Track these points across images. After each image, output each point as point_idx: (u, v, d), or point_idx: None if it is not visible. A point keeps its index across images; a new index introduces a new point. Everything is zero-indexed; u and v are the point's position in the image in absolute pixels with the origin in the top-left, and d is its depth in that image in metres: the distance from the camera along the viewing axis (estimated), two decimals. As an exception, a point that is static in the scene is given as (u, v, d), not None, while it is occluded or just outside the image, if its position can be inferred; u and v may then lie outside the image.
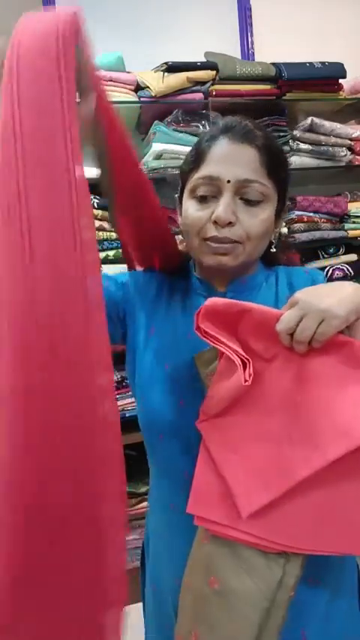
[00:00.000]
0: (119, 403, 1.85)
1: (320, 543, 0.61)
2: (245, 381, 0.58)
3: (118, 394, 1.85)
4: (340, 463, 0.57)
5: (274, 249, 0.80)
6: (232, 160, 0.69)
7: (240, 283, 0.79)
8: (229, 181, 0.69)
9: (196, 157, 0.73)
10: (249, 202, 0.70)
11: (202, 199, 0.72)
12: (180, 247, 0.86)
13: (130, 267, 0.91)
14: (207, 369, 0.68)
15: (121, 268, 1.98)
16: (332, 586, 0.70)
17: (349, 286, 0.61)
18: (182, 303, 0.80)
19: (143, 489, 1.88)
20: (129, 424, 1.82)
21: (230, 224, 0.69)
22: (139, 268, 0.89)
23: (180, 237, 0.84)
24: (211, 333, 0.61)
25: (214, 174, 0.70)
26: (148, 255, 0.88)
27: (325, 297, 0.58)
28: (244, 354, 0.60)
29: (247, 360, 0.60)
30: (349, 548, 0.61)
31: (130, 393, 1.85)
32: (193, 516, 0.65)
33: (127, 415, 1.84)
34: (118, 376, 1.82)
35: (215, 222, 0.69)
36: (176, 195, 0.82)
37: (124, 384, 1.85)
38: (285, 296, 0.78)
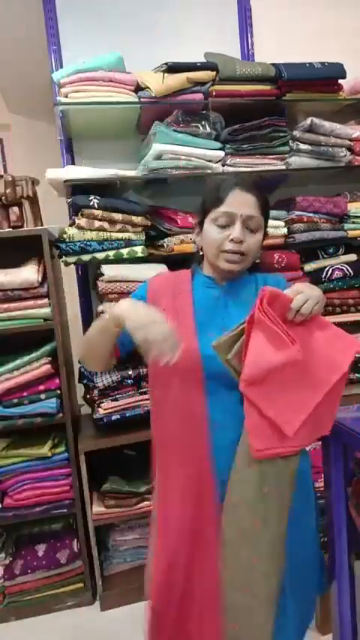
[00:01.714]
0: (119, 403, 1.85)
1: (311, 439, 1.06)
2: (298, 352, 0.94)
3: (118, 394, 1.86)
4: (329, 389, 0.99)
5: (258, 261, 1.23)
6: (242, 203, 1.11)
7: (233, 280, 1.19)
8: (241, 215, 1.10)
9: (219, 199, 1.12)
10: (251, 230, 1.13)
11: (221, 227, 1.12)
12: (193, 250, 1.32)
13: None
14: (227, 355, 0.98)
15: (121, 268, 2.00)
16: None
17: (316, 287, 1.06)
18: (193, 293, 1.18)
19: (143, 489, 1.89)
20: (129, 424, 1.85)
21: (241, 242, 1.11)
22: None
23: (194, 244, 1.27)
24: (271, 313, 0.95)
25: (232, 211, 1.10)
26: None
27: (314, 291, 1.03)
28: (291, 334, 0.95)
29: (294, 339, 0.95)
30: (320, 433, 1.06)
31: (130, 392, 1.85)
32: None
33: (127, 415, 1.84)
34: (118, 376, 1.82)
35: (232, 240, 1.10)
36: (196, 221, 1.21)
37: (123, 383, 1.85)
38: (260, 289, 1.10)
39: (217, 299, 1.17)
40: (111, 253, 1.85)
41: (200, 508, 1.07)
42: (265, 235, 1.20)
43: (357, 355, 1.03)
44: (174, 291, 1.18)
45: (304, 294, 0.99)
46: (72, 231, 1.80)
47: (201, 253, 1.21)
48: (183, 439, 1.10)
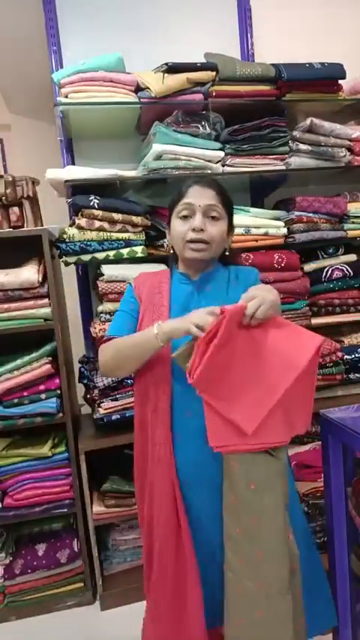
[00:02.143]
0: (119, 403, 1.85)
1: (286, 435, 1.06)
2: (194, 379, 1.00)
3: (117, 394, 1.86)
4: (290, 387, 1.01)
5: (227, 254, 1.31)
6: (201, 194, 1.21)
7: (206, 274, 1.27)
8: (200, 205, 1.20)
9: (179, 196, 1.23)
10: (212, 218, 1.21)
11: (184, 218, 1.21)
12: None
13: None
14: (187, 363, 1.03)
15: (121, 268, 2.00)
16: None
17: (273, 289, 1.12)
18: (170, 291, 1.27)
19: (143, 489, 1.89)
20: (129, 424, 1.84)
21: (202, 230, 1.19)
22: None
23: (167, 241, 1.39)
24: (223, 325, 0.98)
25: (191, 202, 1.20)
26: None
27: (269, 294, 1.06)
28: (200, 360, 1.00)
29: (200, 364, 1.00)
30: (296, 430, 1.07)
31: (130, 392, 1.85)
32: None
33: (127, 415, 1.84)
34: (118, 376, 1.82)
35: (193, 230, 1.19)
36: (165, 224, 1.28)
37: (123, 383, 1.85)
38: (232, 281, 1.28)
39: (191, 294, 1.25)
40: (111, 253, 1.85)
41: (162, 490, 1.18)
42: (231, 230, 1.29)
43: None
44: (153, 290, 1.27)
45: (257, 300, 1.02)
46: (72, 231, 1.80)
47: (172, 252, 1.31)
48: (152, 426, 1.20)
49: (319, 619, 1.23)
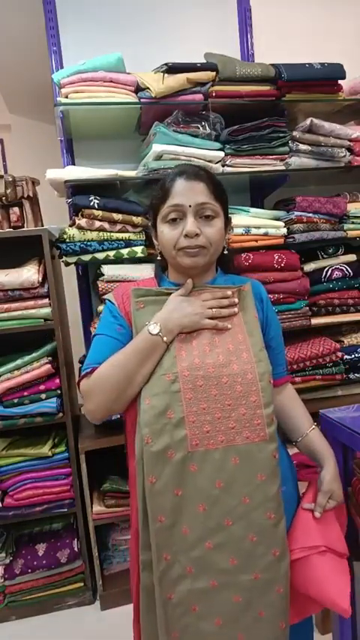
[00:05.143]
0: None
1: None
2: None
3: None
4: None
5: (226, 252, 1.11)
6: (189, 191, 0.99)
7: (205, 286, 1.07)
8: (190, 206, 0.99)
9: (163, 194, 1.02)
10: (207, 218, 1.01)
11: (173, 222, 1.01)
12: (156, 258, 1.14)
13: None
14: None
15: (121, 268, 2.00)
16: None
17: (338, 477, 1.10)
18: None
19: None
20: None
21: (197, 235, 0.99)
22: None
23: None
24: None
25: (178, 203, 0.99)
26: None
27: (341, 491, 1.09)
28: None
29: None
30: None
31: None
32: None
33: (127, 415, 1.84)
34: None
35: (186, 236, 0.99)
36: (149, 224, 1.11)
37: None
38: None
39: None
40: (111, 253, 1.85)
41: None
42: (228, 223, 1.10)
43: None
44: (138, 305, 1.05)
45: (336, 503, 1.07)
46: (72, 232, 1.80)
47: (159, 258, 1.11)
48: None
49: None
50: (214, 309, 1.01)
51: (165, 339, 0.98)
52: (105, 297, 1.15)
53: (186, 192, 0.99)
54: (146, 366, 0.97)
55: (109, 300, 1.10)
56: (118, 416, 1.88)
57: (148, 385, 0.98)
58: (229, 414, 0.95)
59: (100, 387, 0.99)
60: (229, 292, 1.05)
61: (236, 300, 1.04)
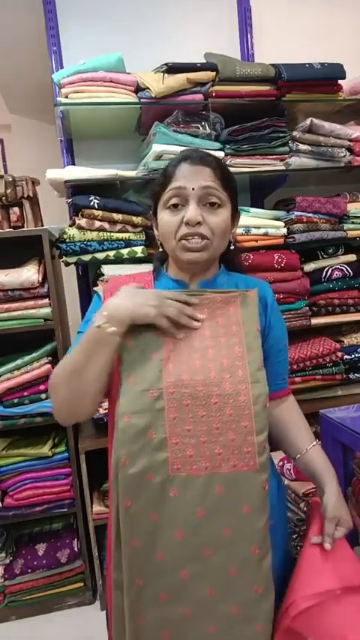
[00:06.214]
0: (119, 403, 1.85)
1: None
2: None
3: (118, 394, 1.86)
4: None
5: (233, 247, 1.01)
6: (193, 174, 0.90)
7: (206, 283, 0.99)
8: (193, 189, 0.89)
9: (165, 179, 0.93)
10: (211, 205, 0.91)
11: (174, 207, 0.91)
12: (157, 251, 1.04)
13: None
14: None
15: (122, 268, 2.00)
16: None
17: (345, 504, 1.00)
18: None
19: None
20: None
21: (199, 223, 0.89)
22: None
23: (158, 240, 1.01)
24: None
25: (181, 185, 0.90)
26: None
27: (349, 517, 0.97)
28: None
29: None
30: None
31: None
32: None
33: (127, 415, 1.84)
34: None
35: (187, 223, 0.89)
36: (150, 212, 1.00)
37: (124, 383, 1.85)
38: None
39: None
40: (111, 253, 1.85)
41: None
42: (237, 216, 1.01)
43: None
44: None
45: (345, 531, 0.95)
46: (72, 232, 1.80)
47: (161, 250, 1.01)
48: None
49: None
50: (172, 309, 0.88)
51: (111, 330, 0.86)
52: (95, 289, 1.09)
53: (190, 175, 0.90)
54: (95, 361, 0.89)
55: (98, 295, 1.04)
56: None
57: (127, 401, 0.87)
58: (217, 438, 0.85)
59: (54, 386, 0.97)
60: (196, 300, 0.91)
61: (201, 316, 0.91)
